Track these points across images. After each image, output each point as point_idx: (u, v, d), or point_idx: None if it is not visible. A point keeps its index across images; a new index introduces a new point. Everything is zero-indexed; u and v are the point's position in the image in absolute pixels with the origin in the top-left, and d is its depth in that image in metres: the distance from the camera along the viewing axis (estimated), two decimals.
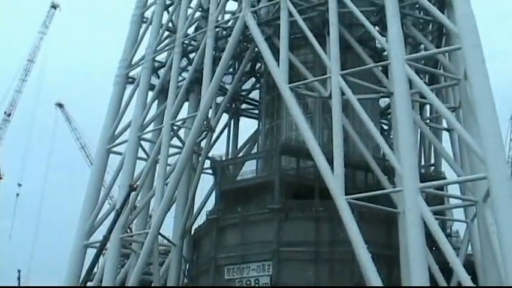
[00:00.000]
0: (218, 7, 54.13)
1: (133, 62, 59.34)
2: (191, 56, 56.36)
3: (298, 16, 47.37)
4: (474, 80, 39.99)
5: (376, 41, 49.87)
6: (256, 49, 53.10)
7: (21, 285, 78.59)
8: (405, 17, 48.51)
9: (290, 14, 47.84)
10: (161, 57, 58.30)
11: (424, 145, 55.55)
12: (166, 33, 59.00)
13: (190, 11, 56.88)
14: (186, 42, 55.93)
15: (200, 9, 57.53)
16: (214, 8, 53.63)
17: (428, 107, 55.47)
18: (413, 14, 51.83)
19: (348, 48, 48.49)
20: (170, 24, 58.79)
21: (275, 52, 47.37)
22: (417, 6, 51.23)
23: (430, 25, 53.63)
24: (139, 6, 61.18)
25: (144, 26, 60.46)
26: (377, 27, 48.67)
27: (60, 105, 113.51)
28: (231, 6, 58.84)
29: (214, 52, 52.65)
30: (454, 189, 48.62)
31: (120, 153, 55.79)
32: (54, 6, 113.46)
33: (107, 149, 56.48)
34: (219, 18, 55.16)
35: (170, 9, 58.89)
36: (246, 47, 55.30)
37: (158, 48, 57.84)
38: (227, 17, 57.34)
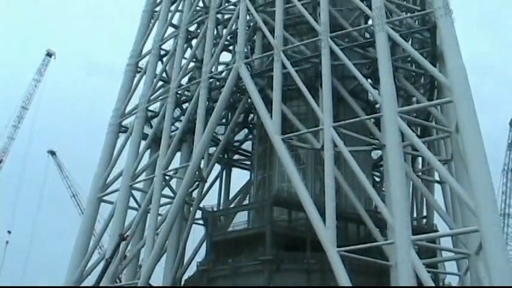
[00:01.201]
0: (212, 58, 54.63)
1: (126, 111, 59.53)
2: (184, 106, 56.65)
3: (292, 68, 47.85)
4: (466, 133, 40.27)
5: (369, 94, 50.15)
6: (249, 100, 53.32)
7: None
8: (397, 70, 49.03)
9: (283, 66, 48.30)
10: (154, 106, 58.46)
11: (416, 197, 55.41)
12: (160, 83, 59.41)
13: (184, 61, 57.46)
14: (179, 92, 56.22)
15: (194, 59, 58.09)
16: (208, 59, 54.09)
17: (420, 159, 55.51)
18: (406, 67, 52.37)
19: (341, 100, 48.83)
20: (164, 74, 59.25)
21: (268, 103, 47.67)
22: (409, 59, 51.77)
23: (422, 78, 54.06)
24: (134, 56, 61.73)
25: (138, 75, 60.86)
26: (369, 80, 49.15)
27: (52, 153, 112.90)
28: (225, 57, 59.65)
29: (207, 103, 52.96)
30: (446, 242, 48.37)
31: (111, 202, 55.53)
32: (49, 54, 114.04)
33: (98, 198, 56.19)
34: (213, 69, 55.67)
35: (164, 59, 59.47)
36: (239, 98, 55.62)
37: (152, 98, 58.11)
38: (221, 68, 57.95)
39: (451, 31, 44.97)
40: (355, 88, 50.41)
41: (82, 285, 53.62)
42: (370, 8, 48.10)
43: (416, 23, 52.51)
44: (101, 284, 48.35)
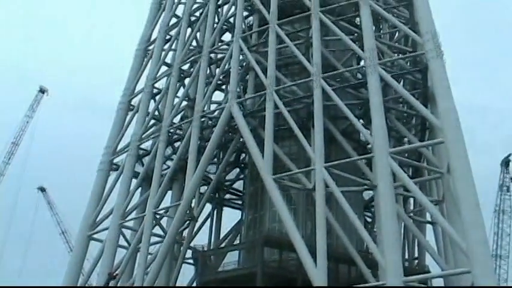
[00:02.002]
0: (205, 97, 54.79)
1: (118, 149, 59.37)
2: (176, 144, 56.59)
3: (284, 108, 47.99)
4: (457, 174, 40.36)
5: (361, 134, 50.25)
6: (241, 140, 53.33)
7: None
8: (389, 111, 49.22)
9: (276, 106, 48.45)
10: (146, 145, 58.37)
11: (408, 238, 55.16)
12: (152, 121, 59.42)
13: (176, 100, 57.59)
14: (171, 131, 56.19)
15: (187, 98, 58.23)
16: (200, 98, 54.23)
17: (412, 200, 55.43)
18: (397, 108, 52.57)
19: (333, 140, 48.86)
20: (156, 113, 59.30)
21: (260, 143, 47.68)
22: (401, 100, 52.02)
23: (414, 119, 54.22)
24: (127, 94, 61.85)
25: (130, 113, 60.90)
26: (361, 120, 49.40)
27: (42, 190, 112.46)
28: (218, 96, 59.78)
29: (199, 142, 52.86)
30: (438, 283, 48.07)
31: (100, 241, 55.00)
32: (42, 91, 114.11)
33: (87, 236, 55.71)
34: (205, 108, 55.74)
35: (157, 97, 59.58)
36: (231, 138, 55.57)
37: (143, 136, 58.06)
38: (213, 107, 58.00)
39: (442, 73, 45.35)
40: (347, 128, 50.53)
41: None
42: (362, 49, 48.65)
43: (408, 64, 52.98)
44: None
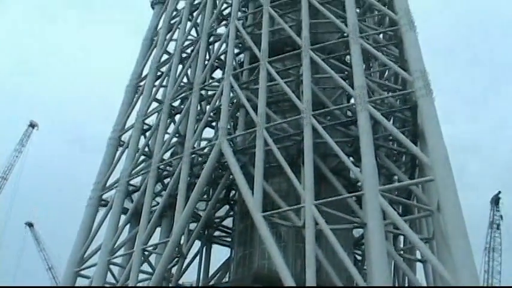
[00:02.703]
0: (195, 134, 54.83)
1: (107, 185, 59.14)
2: (166, 181, 56.32)
3: (274, 145, 48.04)
4: (447, 212, 40.47)
5: (351, 172, 50.23)
6: (231, 177, 53.21)
7: None
8: (379, 148, 49.40)
9: (266, 143, 48.48)
10: (136, 181, 58.17)
11: (398, 276, 54.79)
12: (142, 157, 59.27)
13: (167, 136, 57.60)
14: (161, 167, 56.03)
15: (177, 135, 58.19)
16: (191, 135, 54.26)
17: (402, 237, 55.27)
18: (387, 145, 52.72)
19: (322, 178, 48.85)
20: (146, 149, 59.22)
21: (250, 180, 47.57)
22: (391, 138, 52.17)
23: (404, 156, 54.38)
24: (117, 129, 61.88)
25: (120, 149, 60.80)
26: (351, 158, 49.36)
27: (30, 225, 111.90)
28: (208, 133, 59.83)
29: (189, 178, 52.68)
30: None
31: (88, 277, 54.40)
32: (32, 125, 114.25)
33: (74, 272, 55.06)
34: (195, 145, 55.70)
35: (147, 133, 59.60)
36: (221, 174, 55.43)
37: (133, 172, 57.88)
38: (203, 143, 57.98)
39: (432, 110, 45.70)
40: (337, 166, 50.49)
41: None
42: (352, 87, 48.96)
43: (398, 102, 53.33)
44: None
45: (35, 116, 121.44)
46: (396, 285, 54.80)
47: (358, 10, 56.65)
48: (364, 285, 41.01)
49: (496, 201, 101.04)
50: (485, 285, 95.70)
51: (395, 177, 52.67)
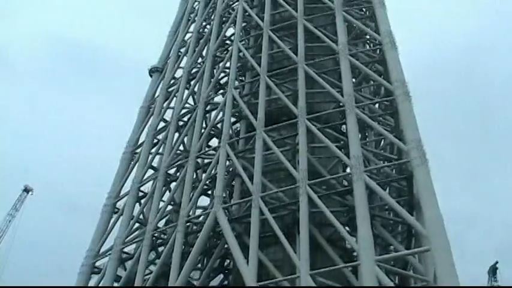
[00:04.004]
0: (190, 202, 54.61)
1: (100, 252, 58.58)
2: (160, 249, 55.81)
3: (269, 215, 47.77)
4: (443, 283, 39.87)
5: (346, 241, 49.90)
6: (226, 246, 52.77)
7: None
8: (375, 218, 49.09)
9: (261, 212, 48.24)
10: (129, 248, 57.62)
11: None
12: (137, 225, 58.84)
13: (162, 204, 57.36)
14: (155, 235, 55.61)
15: (172, 203, 57.97)
16: (186, 203, 54.02)
17: None
18: (383, 215, 52.52)
19: (318, 247, 48.35)
20: (141, 217, 58.87)
21: (245, 249, 47.13)
22: (387, 207, 52.03)
23: (400, 226, 54.09)
24: (112, 196, 61.65)
25: (115, 216, 60.46)
26: (347, 228, 49.07)
27: None
28: (203, 201, 59.60)
29: (183, 247, 52.12)
30: None
31: None
32: (27, 190, 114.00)
33: None
34: (191, 213, 55.46)
35: (142, 201, 59.34)
36: (216, 243, 54.87)
37: (127, 240, 57.38)
38: (198, 212, 57.74)
39: (427, 180, 45.58)
40: (332, 235, 50.16)
41: None
42: (348, 156, 49.08)
43: (394, 171, 53.35)
44: None
45: (29, 181, 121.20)
46: None
47: (354, 80, 57.23)
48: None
49: (493, 271, 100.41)
50: None
51: (392, 247, 52.29)
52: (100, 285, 55.15)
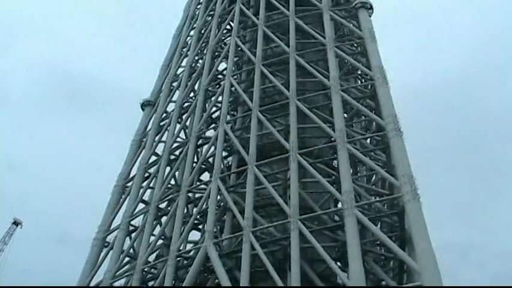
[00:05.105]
0: (181, 236, 54.32)
1: (90, 286, 57.89)
2: (150, 283, 55.32)
3: (260, 250, 47.50)
4: None
5: (338, 277, 49.64)
6: (216, 281, 52.30)
7: None
8: (366, 254, 48.95)
9: (252, 247, 48.00)
10: (119, 282, 56.96)
11: None
12: (127, 259, 58.37)
13: (152, 238, 56.99)
14: (146, 269, 55.17)
15: (163, 237, 57.65)
16: (176, 237, 53.70)
17: None
18: (375, 250, 52.33)
19: (309, 283, 48.20)
20: (131, 251, 58.41)
21: (236, 284, 46.95)
22: (378, 242, 51.89)
23: (392, 261, 53.92)
24: (102, 230, 61.24)
25: (105, 250, 60.01)
26: (339, 263, 48.94)
27: None
28: (194, 236, 59.21)
29: (173, 282, 51.83)
30: None
31: None
32: (16, 223, 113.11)
33: None
34: (181, 248, 55.04)
35: (133, 235, 58.99)
36: (207, 278, 54.46)
37: (117, 274, 56.83)
38: (189, 246, 57.37)
39: (419, 215, 45.74)
40: (324, 271, 49.87)
41: None
42: (339, 191, 49.11)
43: (385, 206, 53.42)
44: None
45: (20, 209, 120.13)
46: None
47: (345, 115, 57.52)
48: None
49: None
50: None
51: (383, 283, 52.06)
52: None
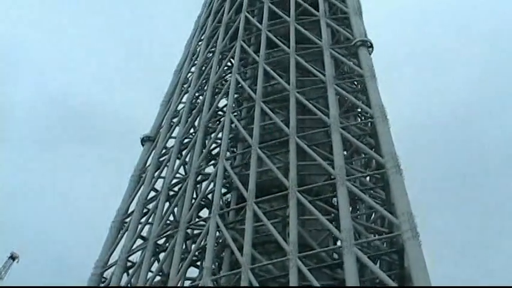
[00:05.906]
0: (179, 273, 53.88)
1: None
2: None
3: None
4: None
5: None
6: None
7: None
8: None
9: (251, 284, 47.59)
10: None
11: None
12: None
13: (150, 274, 56.56)
14: None
15: (160, 273, 57.23)
16: (174, 274, 53.25)
17: None
18: None
19: None
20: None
21: None
22: (377, 281, 51.20)
23: None
24: (99, 266, 60.72)
25: (102, 286, 59.52)
26: None
27: None
28: (192, 272, 58.74)
29: None
30: None
31: None
32: (13, 257, 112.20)
33: None
34: (179, 284, 54.51)
35: (130, 271, 58.50)
36: None
37: None
38: (187, 283, 56.78)
39: (419, 254, 45.44)
40: None
41: None
42: (338, 229, 48.87)
43: (385, 245, 53.14)
44: None
45: (15, 247, 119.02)
46: None
47: (345, 152, 57.52)
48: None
49: None
50: None
51: None
52: None
